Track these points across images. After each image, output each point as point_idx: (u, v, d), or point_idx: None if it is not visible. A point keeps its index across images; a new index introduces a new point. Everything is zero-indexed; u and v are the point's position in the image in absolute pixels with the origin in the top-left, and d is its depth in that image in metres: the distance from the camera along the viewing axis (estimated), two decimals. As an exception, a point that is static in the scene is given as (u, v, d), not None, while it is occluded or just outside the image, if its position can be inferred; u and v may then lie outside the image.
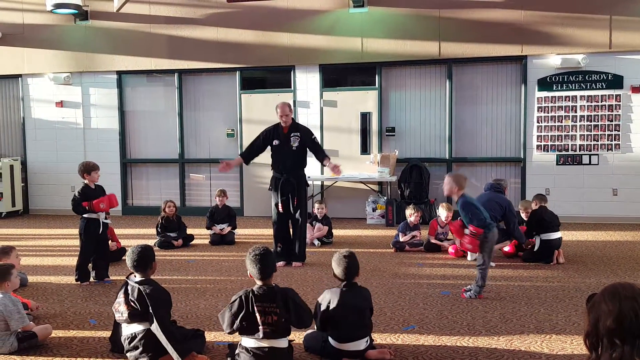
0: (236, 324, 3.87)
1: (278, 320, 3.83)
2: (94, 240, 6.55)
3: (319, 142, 7.65)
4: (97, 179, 6.66)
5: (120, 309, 4.13)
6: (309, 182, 10.74)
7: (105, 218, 6.68)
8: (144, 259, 4.19)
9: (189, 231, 8.97)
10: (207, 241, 8.89)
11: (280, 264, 7.16)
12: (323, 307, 4.12)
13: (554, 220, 7.31)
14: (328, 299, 4.13)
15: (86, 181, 6.59)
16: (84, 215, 6.49)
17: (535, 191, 9.07)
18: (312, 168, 11.11)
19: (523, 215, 7.76)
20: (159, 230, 8.72)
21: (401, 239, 8.15)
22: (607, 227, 9.68)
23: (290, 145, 7.30)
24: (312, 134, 7.52)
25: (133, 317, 4.08)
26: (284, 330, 3.91)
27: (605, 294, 2.37)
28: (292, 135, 7.31)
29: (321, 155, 7.48)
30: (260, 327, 3.81)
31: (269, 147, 7.44)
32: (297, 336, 4.40)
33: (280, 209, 7.28)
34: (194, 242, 8.86)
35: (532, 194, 8.61)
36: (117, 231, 9.20)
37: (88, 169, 6.59)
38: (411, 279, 6.53)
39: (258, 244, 4.45)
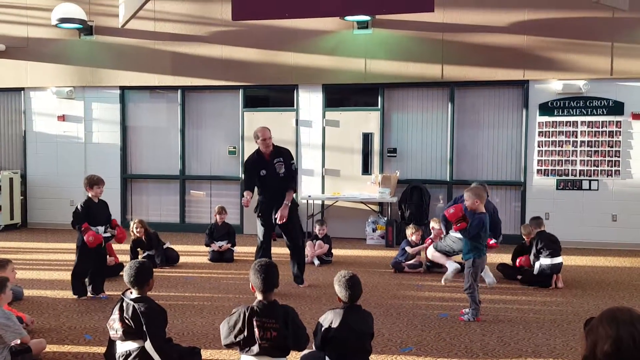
0: (230, 338, 3.86)
1: (277, 337, 3.81)
2: (91, 255, 6.52)
3: (296, 170, 7.39)
4: (101, 193, 6.64)
5: (114, 326, 4.10)
6: (310, 201, 10.84)
7: (105, 232, 6.66)
8: (142, 275, 4.17)
9: (180, 248, 8.89)
10: (206, 258, 8.86)
11: None
12: (324, 327, 4.09)
13: (554, 246, 7.30)
14: (330, 319, 4.10)
15: (90, 195, 6.58)
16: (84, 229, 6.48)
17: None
18: (313, 187, 11.14)
19: (526, 239, 7.75)
20: (132, 253, 8.42)
21: (409, 250, 8.18)
22: (606, 253, 9.65)
23: (277, 173, 7.02)
24: (292, 159, 7.21)
25: (127, 335, 4.06)
26: (282, 348, 3.88)
27: (603, 319, 2.36)
28: (276, 162, 7.02)
29: (291, 185, 7.17)
30: (258, 342, 3.80)
31: None
32: (295, 356, 4.36)
33: (275, 239, 7.17)
34: (192, 259, 8.83)
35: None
36: (115, 247, 9.19)
37: (92, 182, 6.58)
38: (409, 301, 6.50)
39: (260, 260, 4.42)
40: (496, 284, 7.13)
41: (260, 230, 7.15)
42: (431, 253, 7.83)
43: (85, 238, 6.34)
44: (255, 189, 7.18)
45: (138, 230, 8.47)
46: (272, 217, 7.03)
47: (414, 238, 8.28)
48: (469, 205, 5.84)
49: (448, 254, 7.63)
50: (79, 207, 6.48)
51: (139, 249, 8.50)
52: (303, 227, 10.92)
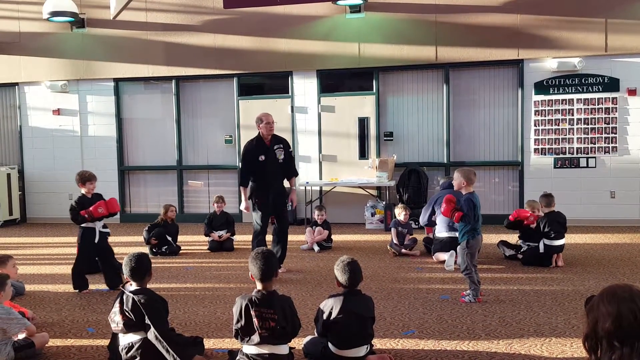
0: (235, 326, 3.90)
1: (275, 327, 3.83)
2: (90, 250, 6.53)
3: (293, 157, 7.54)
4: (94, 189, 6.63)
5: (115, 319, 4.11)
6: (308, 188, 10.84)
7: (104, 227, 6.65)
8: (141, 267, 4.17)
9: (180, 238, 8.97)
10: (205, 248, 8.87)
11: None
12: (325, 314, 4.10)
13: (560, 229, 7.28)
14: (331, 305, 4.11)
15: (83, 191, 6.58)
16: (82, 225, 6.47)
17: (533, 195, 9.08)
18: (310, 173, 11.14)
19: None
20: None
21: (394, 239, 8.20)
22: (605, 230, 9.67)
23: (277, 158, 7.11)
24: (289, 146, 7.36)
25: (128, 327, 4.07)
26: (283, 336, 3.90)
27: (603, 296, 2.37)
28: (276, 148, 7.13)
29: (292, 172, 7.37)
30: (258, 332, 3.81)
31: None
32: (297, 342, 4.38)
33: (274, 222, 7.20)
34: (192, 249, 8.84)
35: (530, 198, 8.63)
36: (115, 239, 9.21)
37: (84, 179, 6.57)
38: (410, 284, 6.51)
39: (258, 249, 4.42)
40: (452, 270, 7.06)
41: (257, 215, 7.15)
42: (435, 256, 7.74)
43: (95, 214, 6.32)
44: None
45: (170, 213, 8.76)
46: (269, 201, 7.09)
47: (402, 218, 8.28)
48: (456, 185, 5.85)
49: (443, 249, 7.54)
50: (73, 203, 6.47)
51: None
52: (302, 214, 10.99)
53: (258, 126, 7.13)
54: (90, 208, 6.37)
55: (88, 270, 6.67)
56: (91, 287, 6.61)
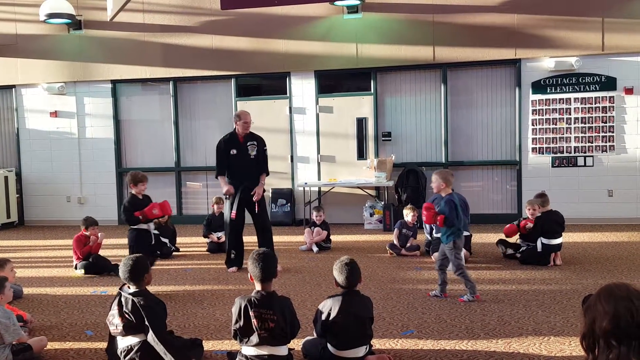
0: (234, 327, 3.90)
1: (275, 327, 3.83)
2: (147, 252, 6.34)
3: (267, 156, 7.64)
4: (144, 189, 6.58)
5: (114, 322, 4.08)
6: (306, 188, 10.84)
7: (155, 228, 6.57)
8: (137, 270, 4.14)
9: (178, 240, 8.98)
10: (204, 249, 8.86)
11: (233, 269, 7.35)
12: (324, 315, 4.10)
13: (557, 228, 7.30)
14: (329, 306, 4.11)
15: (133, 191, 6.52)
16: (133, 227, 6.39)
17: (531, 194, 9.05)
18: (309, 174, 11.14)
19: (528, 214, 7.67)
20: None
21: (395, 240, 8.19)
22: (603, 228, 9.69)
23: (248, 154, 7.33)
24: (265, 145, 7.53)
25: (128, 330, 4.05)
26: (282, 337, 3.90)
27: (600, 295, 2.37)
28: (249, 144, 7.34)
29: (264, 169, 7.51)
30: (257, 332, 3.81)
31: None
32: (296, 343, 4.38)
33: (233, 217, 7.26)
34: (191, 250, 8.83)
35: (528, 197, 8.61)
36: (112, 241, 9.22)
37: (136, 180, 6.52)
38: (409, 284, 6.52)
39: (258, 249, 4.42)
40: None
41: (227, 209, 7.35)
42: (434, 256, 7.75)
43: (149, 215, 6.28)
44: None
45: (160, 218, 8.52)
46: (237, 197, 7.23)
47: (409, 219, 8.27)
48: (435, 187, 5.87)
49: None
50: (126, 204, 6.41)
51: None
52: (300, 214, 10.99)
53: (235, 122, 7.39)
54: (145, 209, 6.30)
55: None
56: (89, 289, 6.60)
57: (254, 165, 7.37)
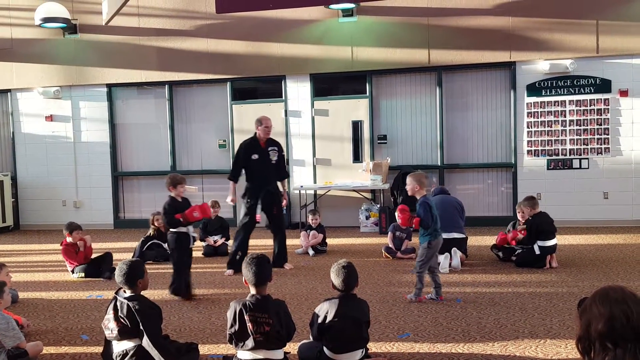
0: (229, 331, 3.89)
1: (270, 331, 3.82)
2: (188, 254, 6.37)
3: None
4: (183, 192, 6.51)
5: (109, 326, 4.08)
6: (302, 191, 10.84)
7: (193, 231, 6.53)
8: (132, 275, 4.13)
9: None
10: (200, 253, 8.84)
11: (229, 272, 7.41)
12: (321, 318, 4.10)
13: (550, 228, 7.33)
14: (326, 309, 4.11)
15: (172, 194, 6.46)
16: (172, 230, 6.32)
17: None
18: (305, 177, 11.14)
19: (519, 217, 7.70)
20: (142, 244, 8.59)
21: (389, 244, 8.21)
22: (599, 231, 9.70)
23: (270, 159, 7.48)
24: (283, 150, 7.78)
25: (123, 334, 4.04)
26: (278, 340, 3.89)
27: (596, 298, 2.37)
28: (270, 149, 7.51)
29: (283, 174, 7.79)
30: (252, 336, 3.81)
31: None
32: (292, 347, 4.37)
33: (259, 220, 7.48)
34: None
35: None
36: (108, 245, 9.20)
37: (175, 182, 6.44)
38: (405, 287, 6.51)
39: (252, 254, 4.42)
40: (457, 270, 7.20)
41: (243, 211, 7.50)
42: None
43: (190, 218, 6.20)
44: (242, 176, 7.60)
45: (159, 222, 8.41)
46: (259, 201, 7.44)
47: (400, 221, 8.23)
48: (410, 190, 5.93)
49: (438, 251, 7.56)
50: (166, 206, 6.33)
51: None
52: (297, 218, 10.99)
53: (257, 127, 7.50)
54: (186, 212, 6.23)
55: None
56: (86, 293, 6.59)
57: (275, 170, 7.58)
